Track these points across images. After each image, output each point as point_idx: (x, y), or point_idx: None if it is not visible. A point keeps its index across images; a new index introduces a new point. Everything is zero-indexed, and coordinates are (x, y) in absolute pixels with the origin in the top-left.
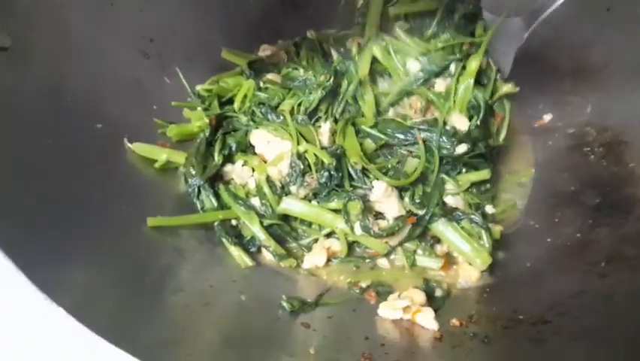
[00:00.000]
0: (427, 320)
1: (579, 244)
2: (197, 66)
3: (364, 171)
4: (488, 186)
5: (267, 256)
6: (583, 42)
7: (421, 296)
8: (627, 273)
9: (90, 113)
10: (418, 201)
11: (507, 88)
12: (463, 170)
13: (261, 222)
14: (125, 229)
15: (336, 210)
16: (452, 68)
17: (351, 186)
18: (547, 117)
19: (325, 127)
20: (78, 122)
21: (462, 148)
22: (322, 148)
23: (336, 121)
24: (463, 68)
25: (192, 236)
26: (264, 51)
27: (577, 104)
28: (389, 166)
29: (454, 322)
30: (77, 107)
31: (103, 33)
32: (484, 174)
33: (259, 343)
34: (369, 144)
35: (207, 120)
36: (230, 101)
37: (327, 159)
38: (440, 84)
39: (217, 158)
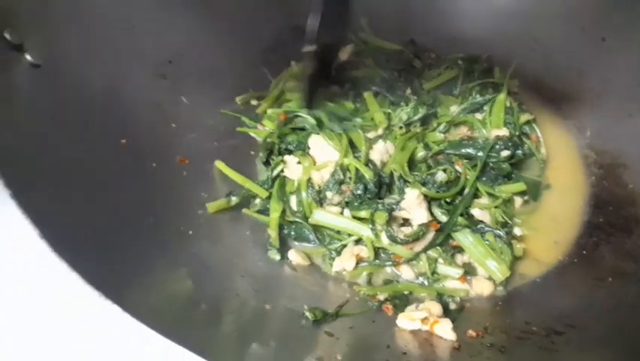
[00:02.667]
0: (445, 331)
1: (585, 261)
2: (213, 87)
3: (401, 179)
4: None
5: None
6: (580, 70)
7: (437, 308)
8: (631, 287)
9: (115, 128)
10: (444, 209)
11: (526, 116)
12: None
13: (284, 217)
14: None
15: (364, 219)
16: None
17: (386, 194)
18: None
19: (380, 145)
20: (105, 137)
21: (505, 153)
22: (368, 162)
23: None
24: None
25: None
26: (344, 55)
27: (576, 128)
28: (424, 177)
29: (471, 333)
30: (103, 122)
31: (125, 54)
32: (519, 186)
33: (288, 347)
34: (421, 150)
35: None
36: None
37: (368, 175)
38: (478, 116)
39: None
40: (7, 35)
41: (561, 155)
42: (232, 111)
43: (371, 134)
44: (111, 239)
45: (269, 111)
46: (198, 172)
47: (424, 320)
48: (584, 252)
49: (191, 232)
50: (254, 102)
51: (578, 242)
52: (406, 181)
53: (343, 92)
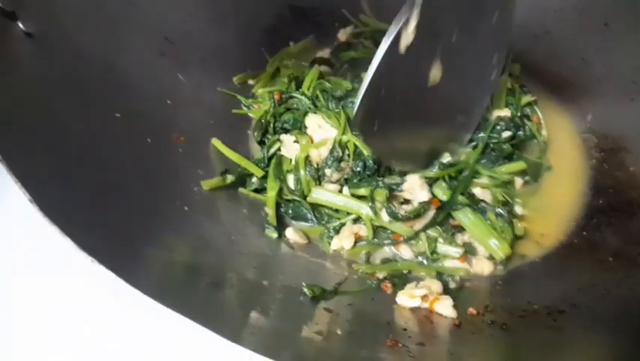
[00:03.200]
0: (446, 308)
1: (586, 242)
2: (211, 66)
3: None
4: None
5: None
6: (582, 55)
7: (438, 286)
8: (633, 269)
9: (110, 101)
10: (445, 188)
11: (527, 98)
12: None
13: (281, 195)
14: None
15: (363, 197)
16: None
17: (385, 174)
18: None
19: None
20: (100, 109)
21: (507, 133)
22: None
23: None
24: None
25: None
26: (343, 36)
27: (578, 113)
28: None
29: (471, 310)
30: (99, 94)
31: (124, 28)
32: (519, 165)
33: (287, 322)
34: None
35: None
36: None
37: (367, 152)
38: None
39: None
40: None
41: (562, 138)
42: (230, 90)
43: None
44: (107, 210)
45: (260, 91)
46: (195, 150)
47: (424, 297)
48: (585, 233)
49: (186, 208)
50: (251, 82)
51: (579, 224)
52: None
53: (341, 72)
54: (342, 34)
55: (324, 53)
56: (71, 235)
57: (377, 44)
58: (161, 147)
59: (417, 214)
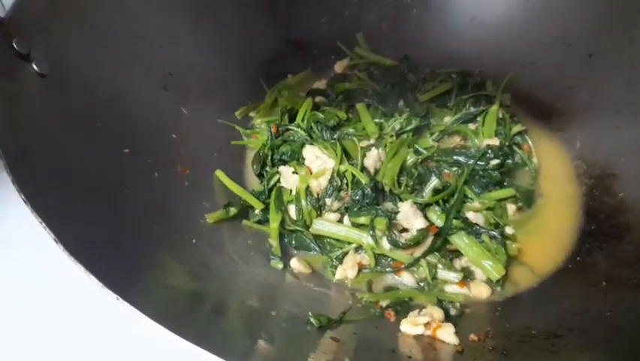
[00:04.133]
0: (448, 335)
1: (579, 267)
2: (213, 98)
3: (393, 193)
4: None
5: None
6: (568, 85)
7: (439, 313)
8: (625, 292)
9: (119, 138)
10: (438, 213)
11: (517, 127)
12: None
13: (284, 225)
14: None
15: (364, 226)
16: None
17: (382, 201)
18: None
19: (373, 152)
20: (110, 146)
21: (495, 161)
22: (363, 169)
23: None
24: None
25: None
26: (339, 68)
27: (566, 140)
28: (415, 188)
29: (473, 337)
30: (108, 131)
31: (128, 65)
32: (508, 192)
33: (294, 350)
34: (413, 156)
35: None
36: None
37: (364, 181)
38: (471, 127)
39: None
40: (14, 45)
41: (553, 165)
42: (231, 122)
43: (363, 143)
44: (120, 242)
45: (258, 121)
46: (199, 182)
47: (427, 325)
48: (578, 258)
49: (194, 241)
50: (252, 114)
51: (572, 249)
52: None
53: (336, 102)
54: (339, 66)
55: (321, 83)
56: (94, 271)
57: (371, 76)
58: (168, 180)
59: (417, 242)
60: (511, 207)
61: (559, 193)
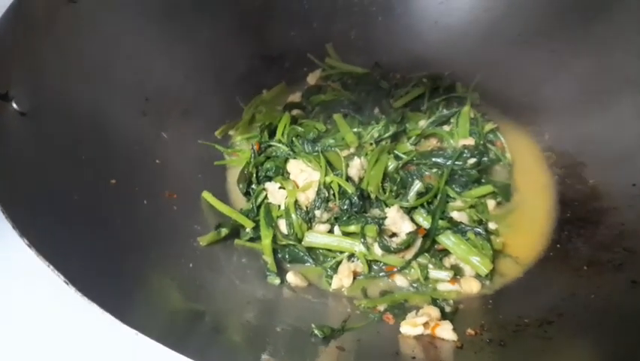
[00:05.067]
0: (447, 332)
1: (561, 254)
2: (191, 120)
3: (379, 199)
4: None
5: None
6: (532, 81)
7: (436, 312)
8: (607, 275)
9: (105, 169)
10: (424, 215)
11: (489, 125)
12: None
13: (276, 241)
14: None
15: (354, 234)
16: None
17: (369, 208)
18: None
19: (356, 161)
20: (96, 179)
21: (472, 160)
22: (348, 178)
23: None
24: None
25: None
26: (312, 79)
27: (535, 133)
28: (399, 192)
29: (470, 331)
30: (93, 163)
31: (105, 95)
32: (487, 188)
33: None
34: (394, 162)
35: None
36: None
37: (350, 190)
38: (446, 128)
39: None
40: None
41: (525, 158)
42: (212, 142)
43: (344, 153)
44: (119, 271)
45: (237, 139)
46: (188, 205)
47: (426, 324)
48: (559, 245)
49: (191, 265)
50: (232, 132)
51: (552, 237)
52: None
53: (313, 115)
54: (311, 78)
55: (296, 96)
56: (96, 300)
57: (345, 86)
58: (158, 207)
59: (407, 245)
60: (491, 203)
61: (533, 185)
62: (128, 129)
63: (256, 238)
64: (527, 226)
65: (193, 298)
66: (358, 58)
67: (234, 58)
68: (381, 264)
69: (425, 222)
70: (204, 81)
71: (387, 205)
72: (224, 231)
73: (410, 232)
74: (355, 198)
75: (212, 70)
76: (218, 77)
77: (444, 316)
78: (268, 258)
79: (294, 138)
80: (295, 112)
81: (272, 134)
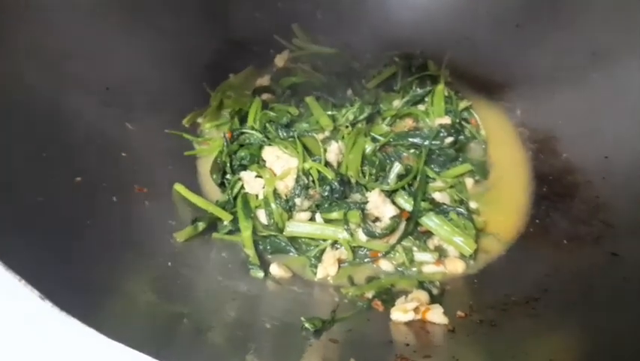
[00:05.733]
0: (438, 316)
1: (540, 229)
2: (158, 109)
3: (359, 184)
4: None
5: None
6: (501, 57)
7: (424, 295)
8: (586, 248)
9: (66, 166)
10: (406, 197)
11: (464, 103)
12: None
13: (256, 232)
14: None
15: (337, 221)
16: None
17: (350, 193)
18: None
19: (334, 146)
20: (59, 177)
21: (449, 139)
22: (327, 164)
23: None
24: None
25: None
26: (280, 61)
27: (507, 109)
28: (379, 175)
29: (460, 313)
30: (54, 162)
31: (63, 86)
32: (465, 167)
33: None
34: (371, 144)
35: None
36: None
37: (330, 176)
38: (421, 107)
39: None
40: None
41: (499, 135)
42: (180, 131)
43: (319, 137)
44: (93, 276)
45: (207, 126)
46: (160, 199)
47: (416, 309)
48: (537, 221)
49: (170, 264)
50: (200, 120)
51: (530, 212)
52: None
53: (284, 99)
54: (279, 60)
55: (265, 80)
56: (67, 308)
57: (315, 67)
58: (128, 203)
59: (392, 229)
60: (469, 181)
61: (508, 161)
62: (91, 122)
63: (235, 230)
64: (506, 203)
65: (174, 299)
66: (327, 39)
67: (200, 44)
68: (366, 250)
69: (407, 204)
70: (170, 69)
71: (367, 189)
72: (201, 225)
73: (394, 216)
74: (336, 183)
75: (177, 57)
76: (185, 65)
77: (432, 299)
78: (249, 251)
79: (267, 124)
80: (265, 96)
81: (243, 120)
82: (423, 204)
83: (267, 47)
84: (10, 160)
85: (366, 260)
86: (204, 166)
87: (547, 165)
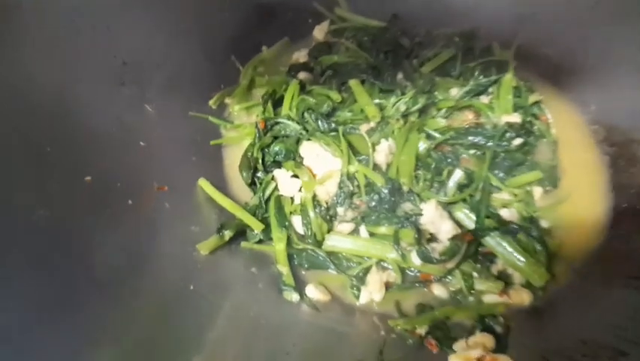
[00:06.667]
0: None
1: (620, 254)
2: (180, 87)
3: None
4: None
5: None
6: (574, 38)
7: (490, 340)
8: None
9: (75, 163)
10: (467, 212)
11: (534, 97)
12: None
13: (291, 244)
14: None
15: (385, 235)
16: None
17: (400, 201)
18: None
19: (383, 145)
20: (65, 179)
21: (517, 141)
22: (375, 166)
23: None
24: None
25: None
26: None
27: (579, 103)
28: (435, 180)
29: None
30: (60, 158)
31: (73, 60)
32: (535, 175)
33: None
34: (426, 142)
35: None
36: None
37: (379, 182)
38: (484, 99)
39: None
40: None
41: (569, 134)
42: (205, 114)
43: (363, 127)
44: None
45: (235, 108)
46: (182, 199)
47: (480, 358)
48: (616, 243)
49: (192, 287)
50: (228, 100)
51: (608, 233)
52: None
53: (324, 80)
54: (319, 32)
55: (301, 55)
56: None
57: (361, 45)
58: (146, 207)
59: (452, 255)
60: (537, 191)
61: (581, 167)
62: (104, 104)
63: (266, 239)
64: (579, 220)
65: (193, 332)
66: (372, 8)
67: (227, 13)
68: (416, 270)
69: (468, 220)
70: (193, 40)
71: (421, 199)
72: (227, 234)
73: (453, 237)
74: (385, 191)
75: (202, 26)
76: (210, 35)
77: (497, 340)
78: (283, 268)
79: (305, 113)
80: (302, 75)
81: (277, 105)
82: (487, 222)
83: (303, 15)
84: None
85: (417, 285)
86: (232, 156)
87: (626, 175)
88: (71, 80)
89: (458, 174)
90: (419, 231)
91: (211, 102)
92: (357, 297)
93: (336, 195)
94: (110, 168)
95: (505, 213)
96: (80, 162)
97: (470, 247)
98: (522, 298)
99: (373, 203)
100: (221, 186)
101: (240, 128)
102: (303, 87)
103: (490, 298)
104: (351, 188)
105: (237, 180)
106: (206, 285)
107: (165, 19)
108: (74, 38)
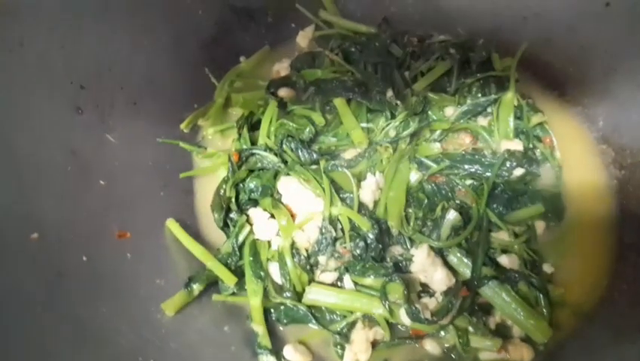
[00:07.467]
0: None
1: (629, 295)
2: (147, 111)
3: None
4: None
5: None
6: (582, 44)
7: None
8: None
9: (19, 218)
10: (463, 258)
11: (538, 117)
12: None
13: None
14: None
15: (371, 286)
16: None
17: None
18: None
19: (370, 180)
20: (7, 235)
21: (519, 171)
22: (360, 207)
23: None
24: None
25: None
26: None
27: (586, 118)
28: (427, 219)
29: None
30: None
31: (22, 89)
32: (537, 209)
33: None
34: (417, 172)
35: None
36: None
37: (365, 226)
38: (482, 121)
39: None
40: None
41: (574, 153)
42: (175, 139)
43: (348, 154)
44: None
45: (209, 131)
46: (146, 247)
47: None
48: (625, 285)
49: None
50: (202, 122)
51: (617, 271)
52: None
53: (306, 97)
54: (302, 39)
55: (282, 66)
56: None
57: (347, 56)
58: (104, 261)
59: (445, 313)
60: (540, 225)
61: (588, 192)
62: (56, 137)
63: (240, 289)
64: (584, 257)
65: None
66: (360, 11)
67: (199, 15)
68: (405, 326)
69: (464, 267)
70: (159, 52)
71: (412, 241)
72: (197, 288)
73: (448, 293)
74: (371, 236)
75: (169, 34)
76: (179, 44)
77: None
78: (259, 327)
79: (284, 141)
80: (283, 92)
81: (253, 128)
82: (484, 270)
83: (285, 18)
84: None
85: (407, 342)
86: (205, 188)
87: (637, 204)
88: (22, 109)
89: (452, 215)
90: (408, 286)
91: (182, 125)
92: (341, 356)
93: (317, 242)
94: (60, 219)
95: (504, 260)
96: (24, 216)
97: (465, 302)
98: (522, 354)
99: (358, 251)
100: (192, 223)
101: (213, 157)
102: (284, 106)
103: (486, 356)
104: (334, 233)
105: (210, 216)
106: (170, 357)
107: (129, 30)
108: (25, 58)
